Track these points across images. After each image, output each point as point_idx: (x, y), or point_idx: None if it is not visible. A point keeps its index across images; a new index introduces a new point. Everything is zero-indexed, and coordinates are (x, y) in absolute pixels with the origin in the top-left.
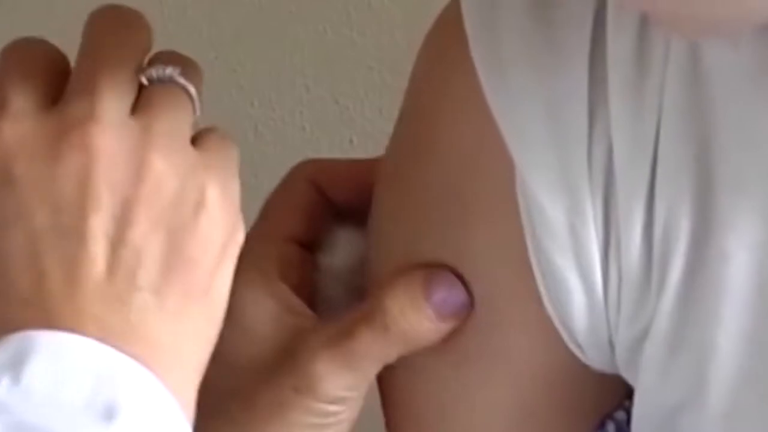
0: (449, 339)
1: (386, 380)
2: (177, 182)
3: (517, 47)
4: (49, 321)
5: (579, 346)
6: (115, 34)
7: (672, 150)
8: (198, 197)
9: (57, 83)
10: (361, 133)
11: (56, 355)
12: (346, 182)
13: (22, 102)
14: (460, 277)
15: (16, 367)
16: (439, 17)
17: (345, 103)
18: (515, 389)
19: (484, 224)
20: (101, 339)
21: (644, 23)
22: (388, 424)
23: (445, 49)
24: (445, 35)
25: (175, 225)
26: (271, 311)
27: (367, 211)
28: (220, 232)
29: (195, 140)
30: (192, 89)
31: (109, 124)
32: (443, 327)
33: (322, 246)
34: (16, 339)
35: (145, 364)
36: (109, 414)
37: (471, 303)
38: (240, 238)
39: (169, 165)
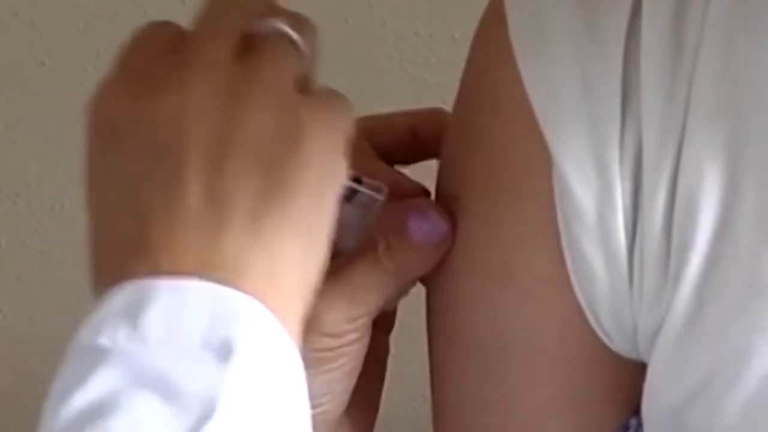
0: (487, 323)
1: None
2: (275, 116)
3: (557, 31)
4: (151, 259)
5: (606, 332)
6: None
7: (698, 141)
8: (295, 133)
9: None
10: None
11: (171, 300)
12: (386, 131)
13: (128, 62)
14: (446, 208)
15: (133, 314)
16: (489, 4)
17: (365, 93)
18: (552, 373)
19: (526, 208)
20: (200, 269)
21: (679, 13)
22: (433, 402)
23: (489, 34)
24: (492, 19)
25: (271, 157)
26: None
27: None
28: (317, 167)
29: (306, 90)
30: (295, 36)
31: (204, 66)
32: (428, 257)
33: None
34: (130, 288)
35: (241, 288)
36: (225, 352)
37: (452, 231)
38: (341, 177)
39: (266, 101)
